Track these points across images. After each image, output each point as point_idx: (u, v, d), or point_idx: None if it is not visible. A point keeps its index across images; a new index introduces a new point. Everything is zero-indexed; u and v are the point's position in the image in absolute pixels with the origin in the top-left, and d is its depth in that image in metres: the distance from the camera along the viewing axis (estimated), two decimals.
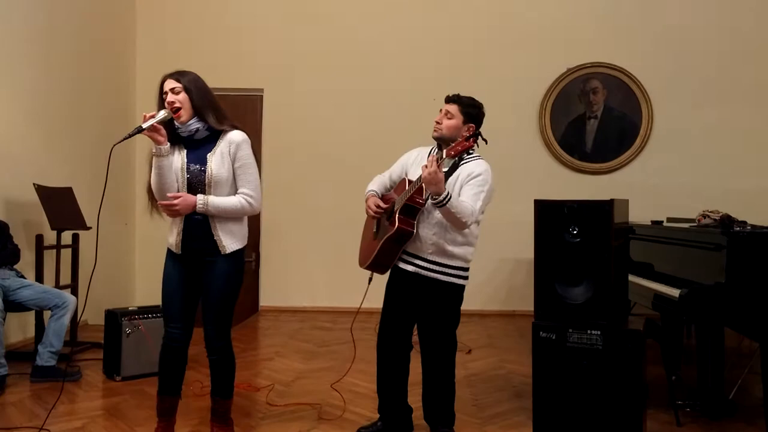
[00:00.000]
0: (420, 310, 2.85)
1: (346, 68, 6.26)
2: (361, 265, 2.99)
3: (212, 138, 2.69)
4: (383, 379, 2.96)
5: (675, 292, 2.85)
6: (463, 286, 2.86)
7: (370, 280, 2.98)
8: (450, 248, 2.77)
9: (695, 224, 3.24)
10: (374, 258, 2.82)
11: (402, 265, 2.85)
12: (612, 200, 2.47)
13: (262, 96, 6.32)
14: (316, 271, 6.28)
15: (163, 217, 2.73)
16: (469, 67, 6.04)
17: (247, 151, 2.68)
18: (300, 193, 6.30)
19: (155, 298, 4.50)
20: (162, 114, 2.58)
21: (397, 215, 2.72)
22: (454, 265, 2.81)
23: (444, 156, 2.48)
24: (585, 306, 2.46)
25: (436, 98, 5.83)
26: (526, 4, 6.15)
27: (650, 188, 5.79)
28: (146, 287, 5.82)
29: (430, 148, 2.98)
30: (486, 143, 2.53)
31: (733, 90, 5.97)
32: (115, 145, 2.63)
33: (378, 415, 3.02)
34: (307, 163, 6.28)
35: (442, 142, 2.83)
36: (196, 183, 2.64)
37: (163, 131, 2.60)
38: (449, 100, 2.86)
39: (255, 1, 6.33)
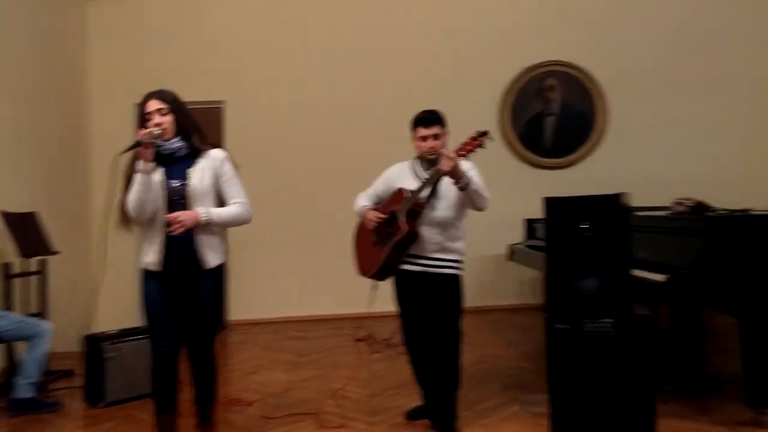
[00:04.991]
0: (430, 306, 3.03)
1: (307, 79, 6.24)
2: (364, 274, 3.14)
3: (191, 156, 2.76)
4: (422, 372, 3.18)
5: (659, 277, 2.97)
6: (462, 277, 3.10)
7: (374, 287, 3.14)
8: (449, 244, 3.02)
9: (671, 211, 3.39)
10: (383, 263, 2.98)
11: (407, 267, 3.04)
12: (623, 194, 2.60)
13: (223, 108, 6.21)
14: (284, 281, 6.20)
15: (131, 234, 2.80)
16: (430, 72, 6.13)
17: (230, 166, 2.85)
18: (264, 202, 6.19)
19: (118, 321, 4.40)
20: (156, 132, 2.63)
21: (404, 219, 2.89)
22: (454, 258, 3.05)
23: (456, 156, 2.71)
24: (596, 296, 2.57)
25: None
26: (480, 7, 6.28)
27: (610, 180, 5.91)
28: (108, 310, 5.54)
29: (408, 162, 3.15)
30: (494, 141, 2.68)
31: (683, 81, 6.23)
32: (119, 155, 2.61)
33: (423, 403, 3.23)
34: (268, 174, 6.18)
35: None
36: (177, 198, 2.69)
37: (152, 149, 2.62)
38: (429, 122, 2.95)
39: (208, 13, 6.22)
